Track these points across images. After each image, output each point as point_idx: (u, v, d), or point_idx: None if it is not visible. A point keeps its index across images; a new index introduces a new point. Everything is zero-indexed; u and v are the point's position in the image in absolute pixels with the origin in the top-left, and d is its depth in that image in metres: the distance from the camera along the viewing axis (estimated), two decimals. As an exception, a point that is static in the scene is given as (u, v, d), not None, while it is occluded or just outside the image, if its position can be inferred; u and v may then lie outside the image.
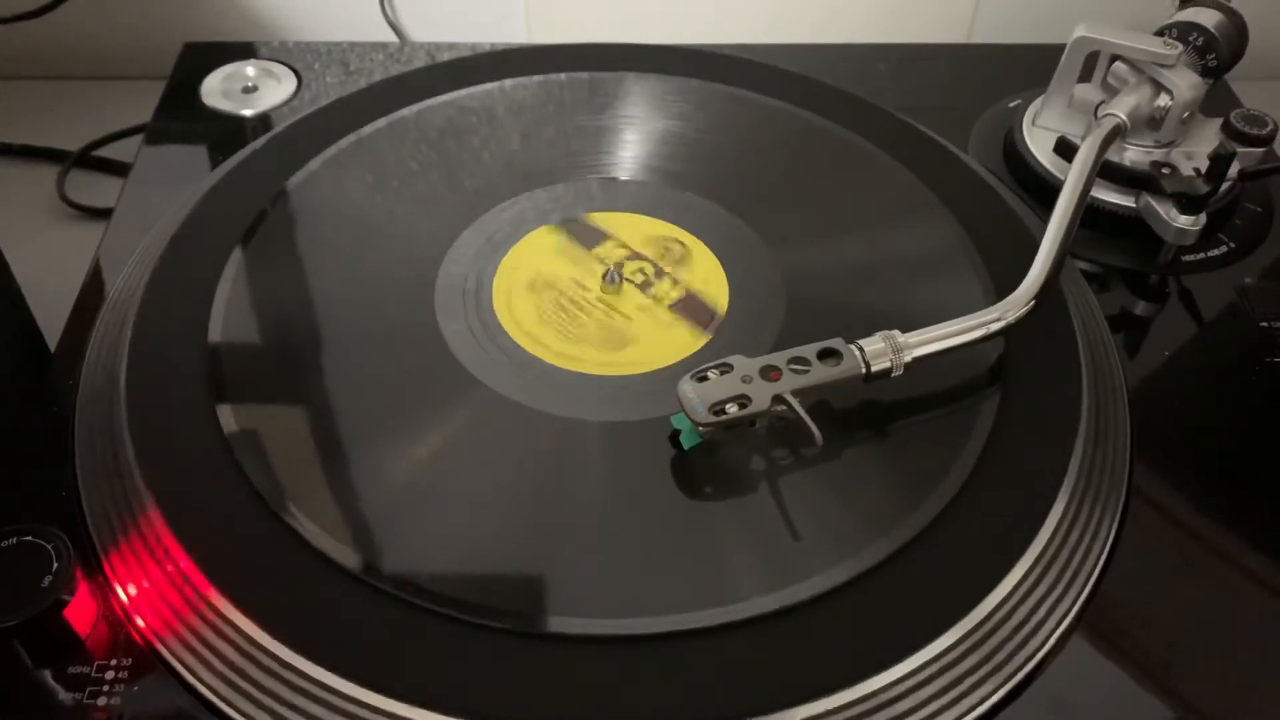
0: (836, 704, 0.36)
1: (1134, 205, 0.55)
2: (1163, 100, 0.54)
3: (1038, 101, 0.60)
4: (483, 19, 0.78)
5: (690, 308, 0.49)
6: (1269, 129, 0.55)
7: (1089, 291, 0.52)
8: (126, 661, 0.38)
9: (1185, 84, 0.53)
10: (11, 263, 0.49)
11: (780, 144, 0.58)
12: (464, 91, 0.60)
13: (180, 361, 0.46)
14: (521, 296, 0.50)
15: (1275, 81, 0.71)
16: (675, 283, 0.50)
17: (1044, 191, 0.56)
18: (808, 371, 0.43)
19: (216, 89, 0.65)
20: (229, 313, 0.48)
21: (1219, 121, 0.56)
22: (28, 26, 0.72)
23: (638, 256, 0.52)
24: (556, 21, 0.78)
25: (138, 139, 0.62)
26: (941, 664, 0.38)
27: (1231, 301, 0.53)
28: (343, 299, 0.49)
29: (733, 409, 0.41)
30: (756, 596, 0.38)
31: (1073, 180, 0.49)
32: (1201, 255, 0.55)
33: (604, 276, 0.50)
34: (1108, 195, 0.55)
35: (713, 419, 0.41)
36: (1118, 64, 0.56)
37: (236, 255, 0.50)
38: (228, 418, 0.43)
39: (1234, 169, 0.53)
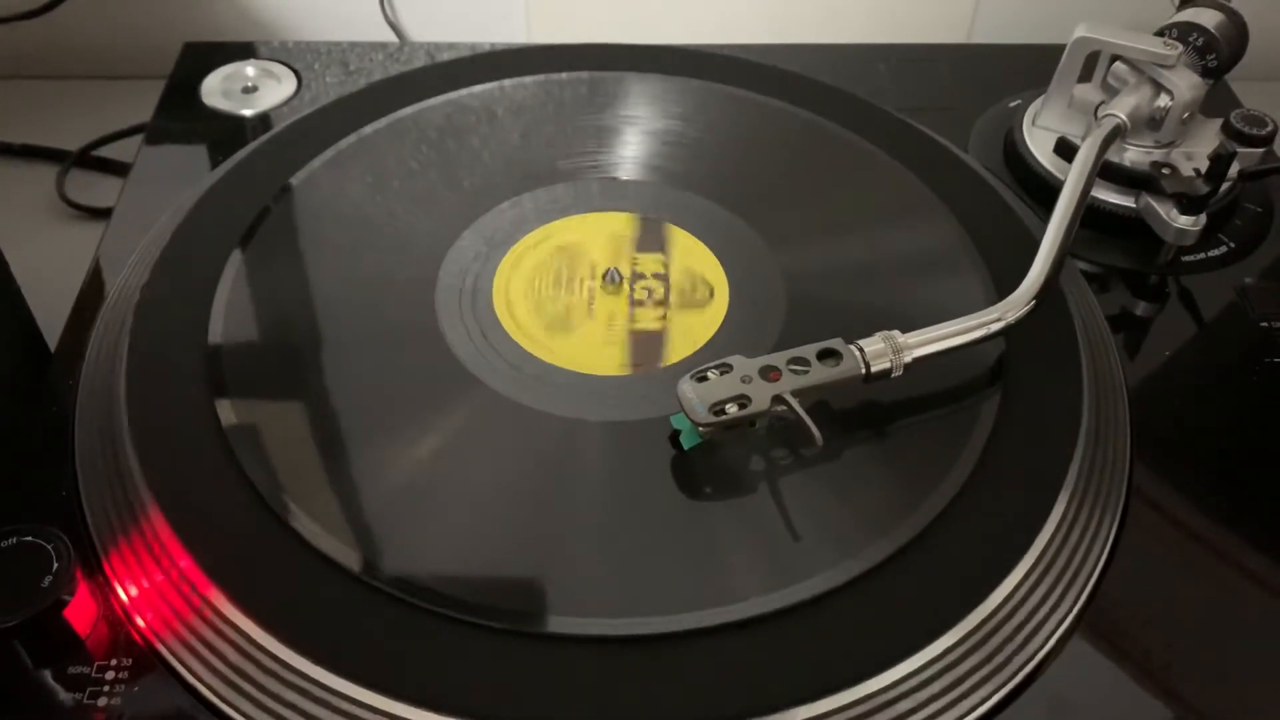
0: (836, 704, 0.36)
1: (1134, 205, 0.55)
2: (1163, 100, 0.54)
3: (1038, 102, 0.60)
4: (482, 19, 0.78)
5: (641, 343, 0.48)
6: (1269, 129, 0.55)
7: (1089, 292, 0.52)
8: (126, 662, 0.38)
9: (1185, 84, 0.53)
10: (11, 263, 0.49)
11: (780, 144, 0.58)
12: (464, 91, 0.60)
13: (180, 361, 0.46)
14: (532, 271, 0.50)
15: (1275, 81, 0.71)
16: (661, 319, 0.49)
17: (1044, 191, 0.56)
18: (807, 372, 0.43)
19: (216, 89, 0.65)
20: (229, 313, 0.48)
21: (1219, 122, 0.56)
22: (28, 26, 0.72)
23: (663, 280, 0.51)
24: (556, 21, 0.78)
25: (138, 139, 0.62)
26: (942, 664, 0.38)
27: (1231, 301, 0.52)
28: (343, 299, 0.49)
29: (732, 409, 0.41)
30: (756, 596, 0.38)
31: (1073, 180, 0.49)
32: (1201, 255, 0.55)
33: (604, 276, 0.50)
34: (1108, 195, 0.55)
35: (713, 419, 0.41)
36: (1118, 64, 0.56)
37: (236, 255, 0.50)
38: (228, 417, 0.43)
39: (1234, 169, 0.53)
